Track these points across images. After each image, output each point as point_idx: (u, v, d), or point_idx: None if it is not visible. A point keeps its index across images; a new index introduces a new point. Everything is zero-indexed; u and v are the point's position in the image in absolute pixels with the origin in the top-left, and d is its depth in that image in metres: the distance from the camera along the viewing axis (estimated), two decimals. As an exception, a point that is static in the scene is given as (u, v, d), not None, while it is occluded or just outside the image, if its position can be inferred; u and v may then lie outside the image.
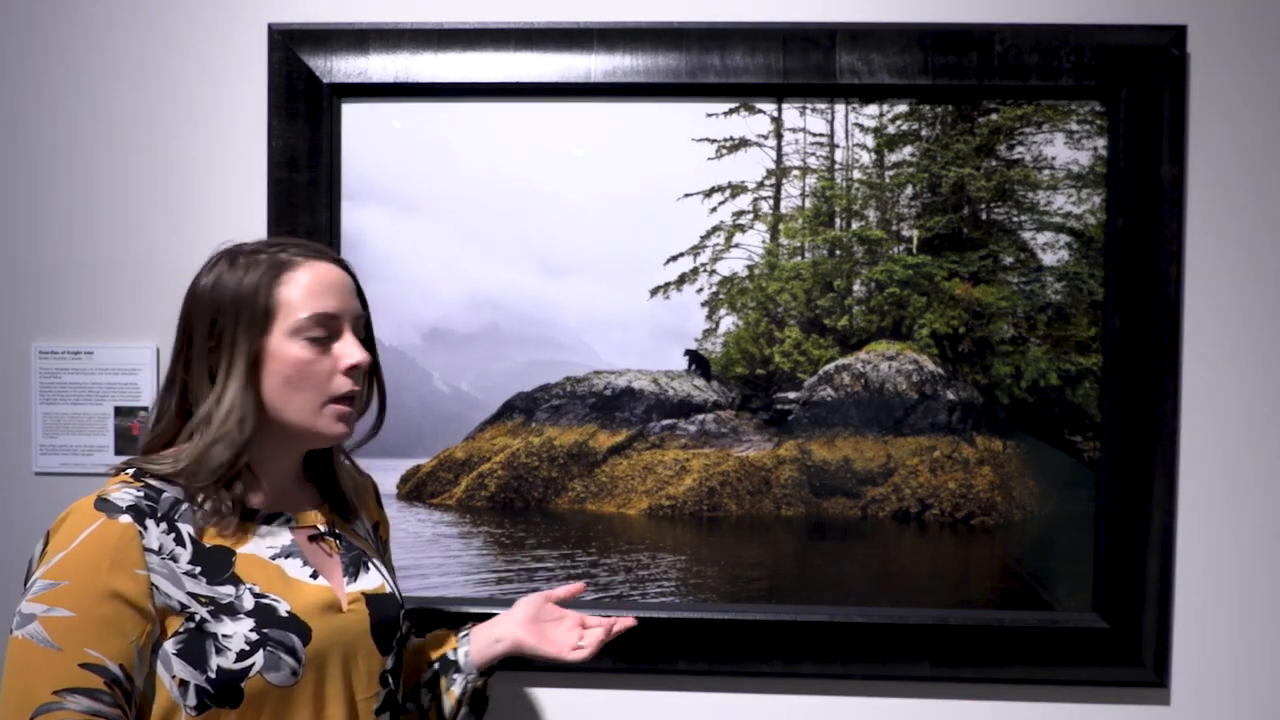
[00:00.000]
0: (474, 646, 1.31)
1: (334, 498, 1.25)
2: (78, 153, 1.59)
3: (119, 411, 1.59)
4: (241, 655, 1.04)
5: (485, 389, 1.60)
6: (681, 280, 1.58)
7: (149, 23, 1.59)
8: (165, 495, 1.07)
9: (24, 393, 1.60)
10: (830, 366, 1.58)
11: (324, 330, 1.11)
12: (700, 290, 1.58)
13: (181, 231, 1.59)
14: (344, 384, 1.12)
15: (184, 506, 1.08)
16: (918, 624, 1.55)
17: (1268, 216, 1.54)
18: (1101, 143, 1.54)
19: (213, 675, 1.03)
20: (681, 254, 1.58)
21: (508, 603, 1.57)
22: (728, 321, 1.58)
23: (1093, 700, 1.56)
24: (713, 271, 1.58)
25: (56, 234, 1.60)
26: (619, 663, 1.55)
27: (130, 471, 1.09)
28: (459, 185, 1.58)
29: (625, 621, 1.33)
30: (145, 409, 1.59)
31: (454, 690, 1.29)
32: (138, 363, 1.59)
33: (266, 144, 1.56)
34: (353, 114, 1.57)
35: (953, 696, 1.57)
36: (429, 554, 1.59)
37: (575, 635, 1.31)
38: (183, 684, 1.03)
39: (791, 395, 1.58)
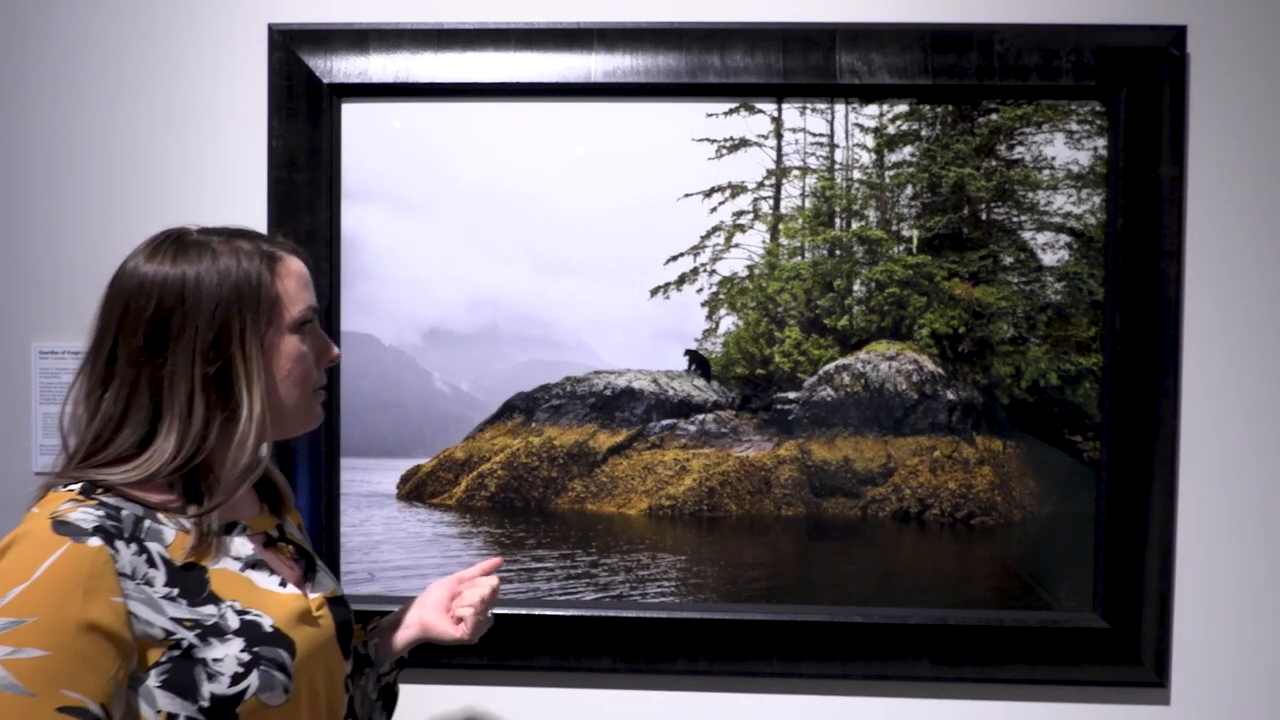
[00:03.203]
0: (383, 639, 1.27)
1: (269, 498, 1.19)
2: (78, 153, 1.59)
3: (119, 411, 1.59)
4: (236, 679, 0.97)
5: (485, 389, 1.60)
6: (681, 280, 1.58)
7: (149, 23, 1.59)
8: (125, 513, 0.97)
9: (24, 393, 1.60)
10: (830, 366, 1.58)
11: (313, 324, 1.12)
12: (700, 290, 1.58)
13: (181, 231, 1.59)
14: (323, 376, 1.14)
15: (147, 524, 0.98)
16: (918, 624, 1.55)
17: (1268, 216, 1.54)
18: (1101, 143, 1.54)
19: (205, 704, 0.96)
20: (681, 254, 1.58)
21: (508, 603, 1.58)
22: (728, 321, 1.58)
23: (1093, 700, 1.56)
24: (713, 271, 1.58)
25: (56, 234, 1.60)
26: (619, 662, 1.55)
27: (76, 487, 0.98)
28: (459, 185, 1.58)
29: (492, 576, 1.26)
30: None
31: (365, 685, 1.24)
32: (138, 363, 1.59)
33: (266, 144, 1.56)
34: (353, 114, 1.57)
35: (953, 696, 1.57)
36: (429, 554, 1.59)
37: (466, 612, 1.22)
38: (170, 718, 0.95)
39: (791, 395, 1.58)
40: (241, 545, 1.06)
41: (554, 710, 1.58)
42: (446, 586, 1.28)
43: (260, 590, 1.04)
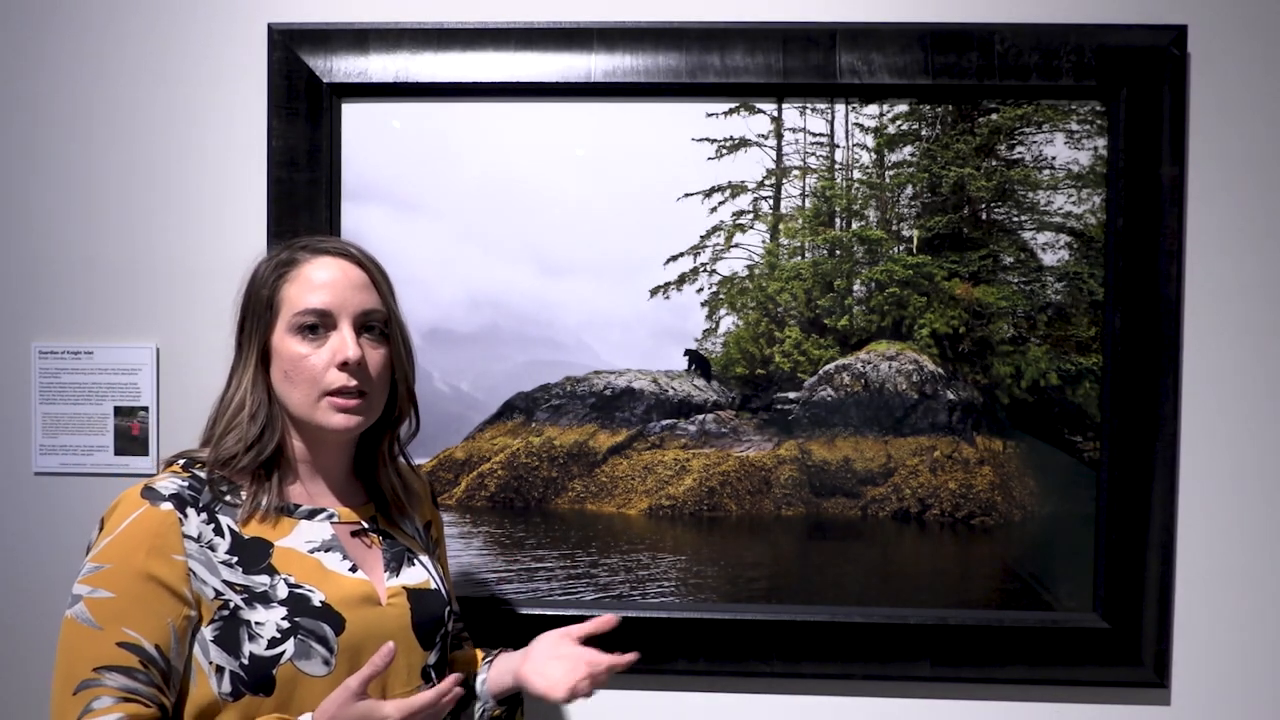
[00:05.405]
0: (492, 674, 1.28)
1: (381, 496, 1.25)
2: (78, 152, 1.59)
3: (119, 411, 1.59)
4: (272, 642, 1.06)
5: (485, 389, 1.60)
6: (681, 280, 1.58)
7: (149, 23, 1.59)
8: (208, 487, 1.12)
9: (24, 393, 1.60)
10: (830, 366, 1.58)
11: (318, 325, 1.13)
12: (700, 290, 1.58)
13: (181, 231, 1.59)
14: (337, 378, 1.12)
15: (228, 497, 1.12)
16: (918, 624, 1.55)
17: (1268, 216, 1.54)
18: (1101, 143, 1.54)
19: (245, 661, 1.05)
20: (681, 254, 1.58)
21: (508, 602, 1.58)
22: (728, 321, 1.58)
23: (1093, 700, 1.56)
24: (713, 271, 1.58)
25: (56, 234, 1.60)
26: (619, 663, 1.55)
27: (181, 462, 1.14)
28: (459, 185, 1.58)
29: (625, 659, 1.26)
30: (145, 409, 1.59)
31: (471, 713, 1.28)
32: (138, 363, 1.59)
33: (266, 144, 1.56)
34: (353, 114, 1.57)
35: (953, 696, 1.57)
36: (429, 554, 1.59)
37: (569, 675, 1.21)
38: (219, 669, 1.06)
39: (791, 395, 1.58)
40: (320, 529, 1.15)
41: (553, 710, 1.58)
42: (550, 641, 1.27)
43: (326, 571, 1.13)
